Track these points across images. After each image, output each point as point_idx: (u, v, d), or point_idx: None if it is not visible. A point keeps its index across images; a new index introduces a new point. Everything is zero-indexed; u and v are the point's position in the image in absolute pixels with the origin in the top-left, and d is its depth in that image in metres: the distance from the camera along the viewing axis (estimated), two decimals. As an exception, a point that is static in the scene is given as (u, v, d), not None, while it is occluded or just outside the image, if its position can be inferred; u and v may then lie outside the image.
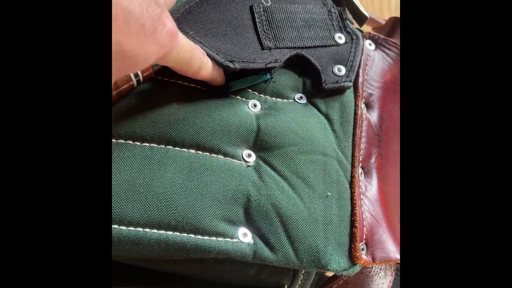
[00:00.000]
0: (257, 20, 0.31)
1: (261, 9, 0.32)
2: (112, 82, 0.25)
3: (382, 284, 0.34)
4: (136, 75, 0.27)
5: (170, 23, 0.23)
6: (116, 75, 0.22)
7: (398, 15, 0.64)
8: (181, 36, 0.24)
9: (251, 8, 0.31)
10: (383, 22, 0.50)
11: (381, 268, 0.34)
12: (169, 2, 0.28)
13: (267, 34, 0.31)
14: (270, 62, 0.30)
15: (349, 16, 0.38)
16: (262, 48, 0.31)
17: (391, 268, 0.35)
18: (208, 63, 0.27)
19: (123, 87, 0.26)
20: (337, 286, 0.32)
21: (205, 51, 0.28)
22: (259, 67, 0.30)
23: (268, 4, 0.32)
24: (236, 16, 0.31)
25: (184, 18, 0.28)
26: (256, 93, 0.31)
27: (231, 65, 0.28)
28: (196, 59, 0.26)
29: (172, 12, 0.29)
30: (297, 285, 0.29)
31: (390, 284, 0.35)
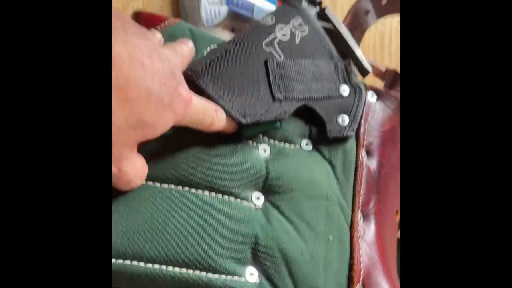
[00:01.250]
0: (270, 73, 0.34)
1: (275, 64, 0.34)
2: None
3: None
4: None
5: (185, 92, 0.25)
6: (138, 141, 0.24)
7: (398, 60, 0.67)
8: (194, 100, 0.27)
9: (265, 62, 0.34)
10: (383, 69, 0.54)
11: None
12: (188, 56, 0.31)
13: (279, 86, 0.34)
14: (279, 114, 0.33)
15: (354, 68, 0.41)
16: (274, 100, 0.33)
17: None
18: (221, 117, 0.30)
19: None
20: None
21: (221, 105, 0.30)
22: (269, 120, 0.33)
23: (281, 59, 0.35)
24: (252, 69, 0.33)
25: (205, 72, 0.31)
26: (266, 138, 0.34)
27: (243, 120, 0.31)
28: (208, 117, 0.29)
29: (194, 65, 0.32)
30: None
31: None
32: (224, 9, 0.48)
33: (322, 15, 0.43)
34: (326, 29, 0.41)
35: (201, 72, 0.31)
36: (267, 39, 0.35)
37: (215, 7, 0.48)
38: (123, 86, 0.21)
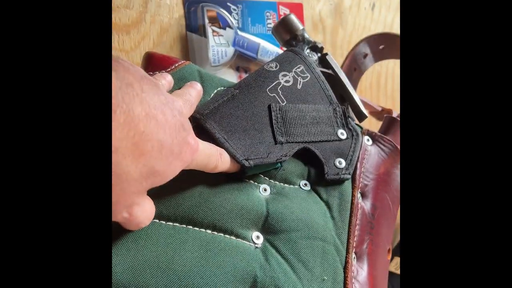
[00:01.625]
0: (273, 117, 0.36)
1: (277, 108, 0.37)
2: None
3: None
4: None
5: (193, 141, 0.27)
6: (148, 188, 0.26)
7: (393, 100, 0.70)
8: (200, 146, 0.29)
9: (269, 107, 0.36)
10: (379, 108, 0.56)
11: None
12: (196, 101, 0.33)
13: (281, 130, 0.36)
14: (280, 157, 0.35)
15: (351, 113, 0.44)
16: (275, 143, 0.35)
17: None
18: (225, 160, 0.32)
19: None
20: None
21: (225, 148, 0.32)
22: (271, 162, 0.35)
23: (283, 104, 0.37)
24: (256, 113, 0.36)
25: (212, 115, 0.33)
26: (267, 179, 0.36)
27: (246, 163, 0.33)
28: (212, 161, 0.31)
29: (202, 108, 0.34)
30: None
31: None
32: (230, 50, 0.51)
33: (323, 61, 0.45)
34: (325, 73, 0.44)
35: (208, 115, 0.33)
36: (271, 85, 0.38)
37: (222, 48, 0.51)
38: (139, 142, 0.22)
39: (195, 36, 0.50)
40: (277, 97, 0.37)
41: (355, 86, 0.55)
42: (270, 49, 0.53)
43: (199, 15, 0.50)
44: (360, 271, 0.36)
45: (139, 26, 0.48)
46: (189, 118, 0.33)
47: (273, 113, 0.36)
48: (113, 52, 0.45)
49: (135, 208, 0.26)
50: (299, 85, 0.39)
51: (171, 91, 0.36)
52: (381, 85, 0.67)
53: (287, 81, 0.39)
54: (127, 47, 0.47)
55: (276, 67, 0.39)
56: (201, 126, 0.33)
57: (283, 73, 0.39)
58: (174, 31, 0.50)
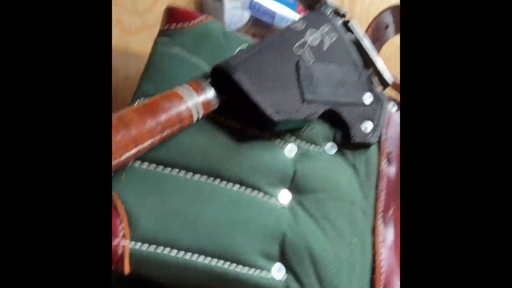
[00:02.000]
0: (301, 75, 0.35)
1: (305, 66, 0.35)
2: (180, 113, 0.28)
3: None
4: (196, 107, 0.29)
5: None
6: None
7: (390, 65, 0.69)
8: None
9: (296, 64, 0.35)
10: (399, 81, 0.56)
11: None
12: None
13: (308, 88, 0.35)
14: (308, 115, 0.34)
15: (375, 80, 0.42)
16: (303, 101, 0.34)
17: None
18: None
19: (185, 122, 0.29)
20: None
21: (255, 102, 0.31)
22: (300, 118, 0.33)
23: (311, 62, 0.36)
24: (284, 70, 0.34)
25: (240, 67, 0.32)
26: (293, 138, 0.34)
27: (276, 117, 0.31)
28: None
29: (229, 60, 0.32)
30: None
31: None
32: (246, 14, 0.49)
33: (346, 27, 0.44)
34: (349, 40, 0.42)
35: (237, 67, 0.31)
36: (298, 42, 0.36)
37: (238, 12, 0.49)
38: None
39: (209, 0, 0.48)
40: (304, 55, 0.36)
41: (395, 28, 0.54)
42: (287, 15, 0.51)
43: None
44: (387, 237, 0.35)
45: None
46: (215, 69, 0.32)
47: (301, 71, 0.35)
48: (125, 15, 0.43)
49: None
50: (326, 45, 0.38)
51: (194, 48, 0.34)
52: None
53: (314, 40, 0.37)
54: (140, 8, 0.44)
55: (302, 25, 0.37)
56: (228, 78, 0.31)
57: (310, 31, 0.37)
58: (189, -7, 0.48)
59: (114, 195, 0.26)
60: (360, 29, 0.44)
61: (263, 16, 0.50)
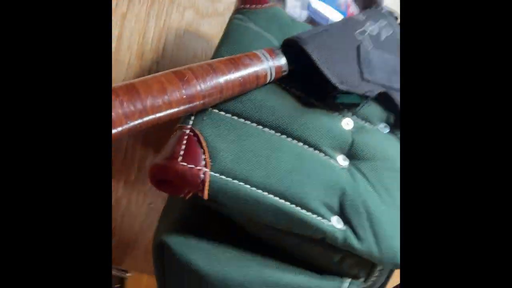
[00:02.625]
0: (361, 57, 0.38)
1: (365, 50, 0.38)
2: (257, 71, 0.31)
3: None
4: (271, 74, 0.33)
5: None
6: None
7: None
8: None
9: (358, 47, 0.38)
10: None
11: None
12: None
13: (367, 69, 0.38)
14: (367, 91, 0.36)
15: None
16: (362, 79, 0.37)
17: None
18: None
19: (261, 80, 0.32)
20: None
21: (322, 71, 0.34)
22: (359, 93, 0.36)
23: (370, 48, 0.39)
24: (346, 50, 0.37)
25: (310, 40, 0.35)
26: (351, 113, 0.37)
27: (340, 86, 0.34)
28: None
29: (300, 34, 0.35)
30: (370, 281, 0.33)
31: None
32: (304, 14, 0.53)
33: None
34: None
35: (307, 40, 0.35)
36: (359, 30, 0.39)
37: (297, 10, 0.53)
38: None
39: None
40: (364, 41, 0.39)
41: None
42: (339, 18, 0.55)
43: None
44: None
45: None
46: (287, 41, 0.35)
47: (361, 54, 0.38)
48: (201, 1, 0.47)
49: None
50: (383, 36, 0.41)
51: (266, 25, 0.38)
52: None
53: (372, 31, 0.40)
54: None
55: (363, 17, 0.41)
56: (300, 49, 0.35)
57: (370, 22, 0.41)
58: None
59: (197, 131, 0.29)
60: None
61: (318, 18, 0.54)
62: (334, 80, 0.34)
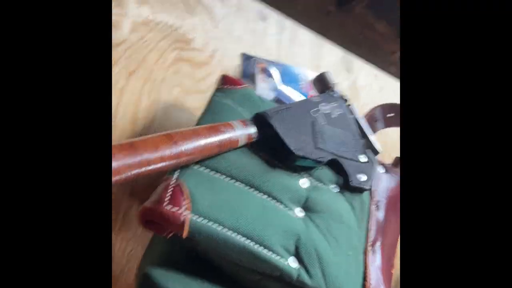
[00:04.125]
0: (315, 131, 0.47)
1: (318, 126, 0.48)
2: (230, 137, 0.39)
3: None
4: (242, 140, 0.41)
5: None
6: None
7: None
8: None
9: (312, 122, 0.47)
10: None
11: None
12: None
13: (320, 140, 0.47)
14: (319, 158, 0.45)
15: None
16: (315, 148, 0.46)
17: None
18: None
19: (233, 145, 0.40)
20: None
21: (283, 140, 0.43)
22: (313, 158, 0.44)
23: (323, 124, 0.48)
24: (303, 125, 0.46)
25: (274, 116, 0.44)
26: (307, 174, 0.45)
27: (297, 152, 0.43)
28: None
29: (268, 111, 0.45)
30: None
31: None
32: (271, 95, 0.64)
33: (348, 109, 0.58)
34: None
35: (273, 115, 0.44)
36: (314, 109, 0.49)
37: (266, 91, 0.63)
38: None
39: (246, 81, 0.63)
40: (318, 118, 0.49)
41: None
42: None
43: (252, 68, 0.64)
44: (374, 260, 0.43)
45: (208, 64, 0.62)
46: (257, 115, 0.44)
47: (315, 128, 0.47)
48: (187, 81, 0.58)
49: None
50: (334, 115, 0.51)
51: (241, 102, 0.47)
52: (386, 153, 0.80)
53: (325, 110, 0.50)
54: (197, 77, 0.60)
55: (318, 99, 0.51)
56: (266, 122, 0.44)
57: (323, 104, 0.51)
58: (232, 75, 0.65)
59: (180, 181, 0.36)
60: (357, 111, 0.57)
61: (283, 98, 0.65)
62: (292, 147, 0.43)
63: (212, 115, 0.44)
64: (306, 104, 0.50)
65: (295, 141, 0.44)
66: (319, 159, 0.45)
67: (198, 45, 0.63)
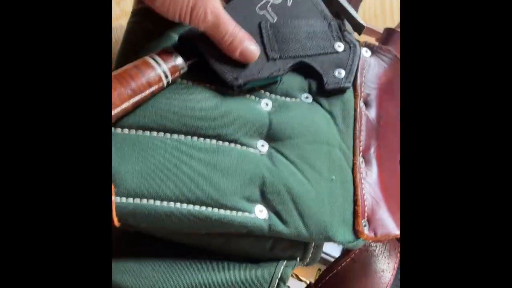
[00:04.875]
0: (264, 35, 0.36)
1: (268, 25, 0.36)
2: (149, 79, 0.30)
3: (388, 264, 0.37)
4: (166, 76, 0.32)
5: None
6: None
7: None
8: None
9: (259, 24, 0.36)
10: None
11: (385, 248, 0.37)
12: None
13: (273, 46, 0.36)
14: (273, 72, 0.35)
15: (349, 27, 0.43)
16: (268, 60, 0.35)
17: (395, 250, 0.38)
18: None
19: (155, 87, 0.31)
20: (345, 263, 0.35)
21: (214, 69, 0.33)
22: (262, 78, 0.35)
23: (274, 21, 0.37)
24: (247, 31, 0.35)
25: (203, 37, 0.33)
26: (268, 93, 0.36)
27: (235, 82, 0.33)
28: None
29: (193, 31, 0.34)
30: (308, 258, 0.33)
31: (396, 265, 0.38)
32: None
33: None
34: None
35: (201, 37, 0.33)
36: (261, 3, 0.37)
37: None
38: None
39: None
40: (266, 15, 0.37)
41: (356, 8, 0.54)
42: None
43: None
44: (370, 173, 0.36)
45: None
46: (182, 38, 0.34)
47: (263, 31, 0.36)
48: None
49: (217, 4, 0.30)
50: (289, 2, 0.39)
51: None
52: (387, 13, 0.66)
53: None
54: None
55: None
56: (193, 46, 0.33)
57: None
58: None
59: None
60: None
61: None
62: (228, 76, 0.33)
63: (128, 49, 0.35)
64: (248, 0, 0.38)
65: (233, 64, 0.34)
66: (272, 75, 0.35)
67: None
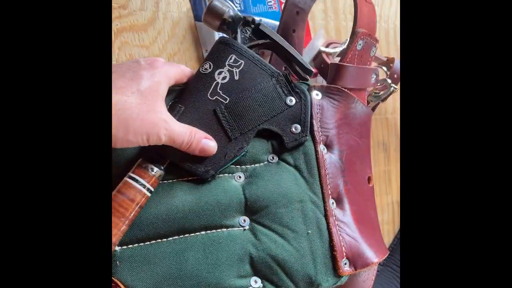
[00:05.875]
0: (222, 120, 0.40)
1: (223, 108, 0.40)
2: (133, 198, 0.36)
3: (368, 274, 0.44)
4: (144, 186, 0.37)
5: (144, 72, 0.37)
6: (150, 100, 0.35)
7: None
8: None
9: (214, 111, 0.40)
10: (384, 59, 0.58)
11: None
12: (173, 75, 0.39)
13: (232, 126, 0.40)
14: (237, 151, 0.39)
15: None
16: (230, 140, 0.40)
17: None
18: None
19: (141, 201, 0.37)
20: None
21: (186, 169, 0.38)
22: (229, 160, 0.39)
23: (227, 101, 0.40)
24: (205, 122, 0.39)
25: None
26: (238, 166, 0.41)
27: (207, 175, 0.38)
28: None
29: None
30: None
31: (375, 272, 0.45)
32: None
33: (258, 32, 0.46)
34: (264, 44, 0.45)
35: (163, 146, 0.37)
36: (211, 89, 0.40)
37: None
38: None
39: (202, 24, 0.51)
40: (219, 98, 0.40)
41: (303, 26, 0.54)
42: (270, 24, 0.54)
43: (203, 5, 0.54)
44: (343, 212, 0.41)
45: (154, 23, 0.54)
46: (148, 149, 0.38)
47: (220, 116, 0.40)
48: (135, 49, 0.53)
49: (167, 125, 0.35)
50: (236, 76, 0.41)
51: None
52: (391, 41, 0.68)
53: (224, 78, 0.41)
54: (146, 43, 0.53)
55: (210, 67, 0.41)
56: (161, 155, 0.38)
57: (218, 71, 0.41)
58: (185, 23, 0.55)
59: (116, 280, 0.36)
60: (271, 29, 0.46)
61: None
62: (199, 171, 0.38)
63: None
64: (200, 87, 0.41)
65: (200, 158, 0.39)
66: (238, 153, 0.40)
67: (135, 6, 0.53)
